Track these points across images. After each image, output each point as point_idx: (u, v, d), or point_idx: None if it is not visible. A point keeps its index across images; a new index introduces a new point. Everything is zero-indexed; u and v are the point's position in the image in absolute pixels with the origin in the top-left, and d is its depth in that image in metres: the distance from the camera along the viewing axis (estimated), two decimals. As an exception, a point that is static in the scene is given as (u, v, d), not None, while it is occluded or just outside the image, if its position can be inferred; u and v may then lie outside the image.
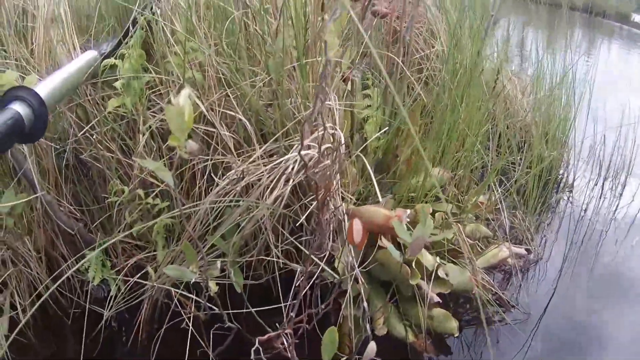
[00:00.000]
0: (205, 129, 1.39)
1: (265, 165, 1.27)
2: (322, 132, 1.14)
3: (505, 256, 1.66)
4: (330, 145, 1.19)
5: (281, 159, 1.22)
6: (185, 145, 0.81)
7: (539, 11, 3.35)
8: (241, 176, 1.28)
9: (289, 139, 1.30)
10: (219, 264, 1.08)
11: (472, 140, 1.67)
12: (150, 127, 1.42)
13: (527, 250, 1.81)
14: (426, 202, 1.63)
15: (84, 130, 1.45)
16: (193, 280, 1.02)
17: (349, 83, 1.61)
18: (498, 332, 1.60)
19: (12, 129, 0.97)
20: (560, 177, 2.40)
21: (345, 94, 1.58)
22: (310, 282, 1.35)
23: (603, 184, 2.47)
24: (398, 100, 1.56)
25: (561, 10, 3.16)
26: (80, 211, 1.60)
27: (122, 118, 1.47)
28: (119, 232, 1.48)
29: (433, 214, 1.60)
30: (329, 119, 1.25)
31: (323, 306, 1.27)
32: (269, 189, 1.26)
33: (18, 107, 1.00)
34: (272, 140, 1.28)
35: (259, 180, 1.28)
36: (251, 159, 1.25)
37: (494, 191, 1.73)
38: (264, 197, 1.24)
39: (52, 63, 1.44)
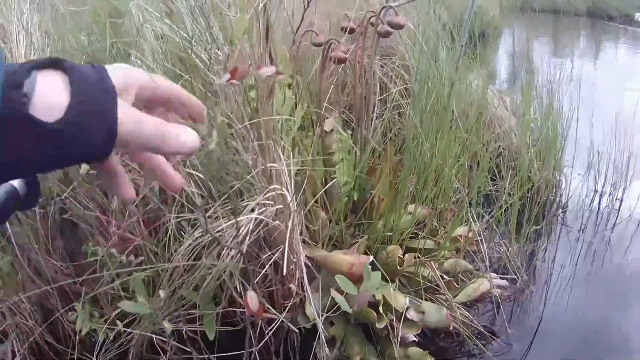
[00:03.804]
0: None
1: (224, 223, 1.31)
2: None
3: (486, 289, 1.66)
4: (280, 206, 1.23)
5: (233, 220, 1.26)
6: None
7: (543, 20, 3.30)
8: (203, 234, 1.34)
9: (242, 199, 1.35)
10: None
11: (448, 174, 1.68)
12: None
13: (513, 280, 1.80)
14: (403, 240, 1.64)
15: (66, 192, 1.53)
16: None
17: (325, 124, 1.65)
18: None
19: (10, 201, 1.06)
20: (552, 197, 2.34)
21: (319, 136, 1.62)
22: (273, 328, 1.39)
23: (600, 200, 2.41)
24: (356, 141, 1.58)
25: (566, 17, 3.11)
26: (69, 265, 1.68)
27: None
28: (102, 284, 1.56)
29: (407, 252, 1.62)
30: (278, 180, 1.29)
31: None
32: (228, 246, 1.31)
33: (12, 181, 1.09)
34: (222, 200, 1.33)
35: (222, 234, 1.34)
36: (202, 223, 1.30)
37: (474, 222, 1.72)
38: (222, 257, 1.30)
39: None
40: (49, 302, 1.67)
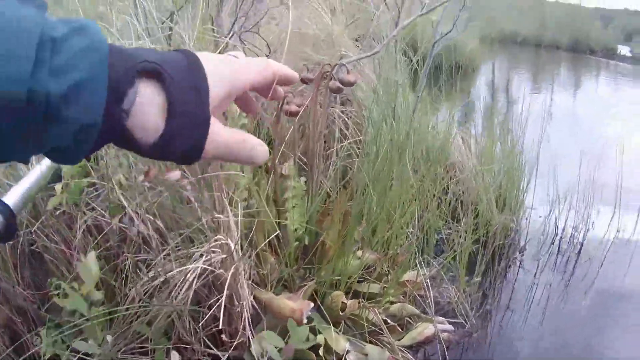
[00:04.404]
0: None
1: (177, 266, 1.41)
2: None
3: (431, 333, 1.73)
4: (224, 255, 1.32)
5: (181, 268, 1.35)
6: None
7: (523, 53, 3.36)
8: (157, 274, 1.43)
9: (194, 245, 1.44)
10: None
11: (399, 221, 1.76)
12: (85, 221, 1.59)
13: (462, 324, 1.86)
14: (352, 283, 1.72)
15: (35, 225, 1.63)
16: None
17: (283, 168, 1.74)
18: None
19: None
20: (510, 241, 2.39)
21: (275, 180, 1.71)
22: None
23: (560, 244, 2.47)
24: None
25: (547, 50, 3.17)
26: (35, 293, 1.78)
27: (64, 213, 1.65)
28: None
29: (354, 296, 1.70)
30: (226, 229, 1.38)
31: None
32: (178, 288, 1.40)
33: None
34: (175, 244, 1.43)
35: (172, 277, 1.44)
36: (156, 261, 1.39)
37: (422, 268, 1.79)
38: (172, 298, 1.39)
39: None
40: (16, 326, 1.77)
